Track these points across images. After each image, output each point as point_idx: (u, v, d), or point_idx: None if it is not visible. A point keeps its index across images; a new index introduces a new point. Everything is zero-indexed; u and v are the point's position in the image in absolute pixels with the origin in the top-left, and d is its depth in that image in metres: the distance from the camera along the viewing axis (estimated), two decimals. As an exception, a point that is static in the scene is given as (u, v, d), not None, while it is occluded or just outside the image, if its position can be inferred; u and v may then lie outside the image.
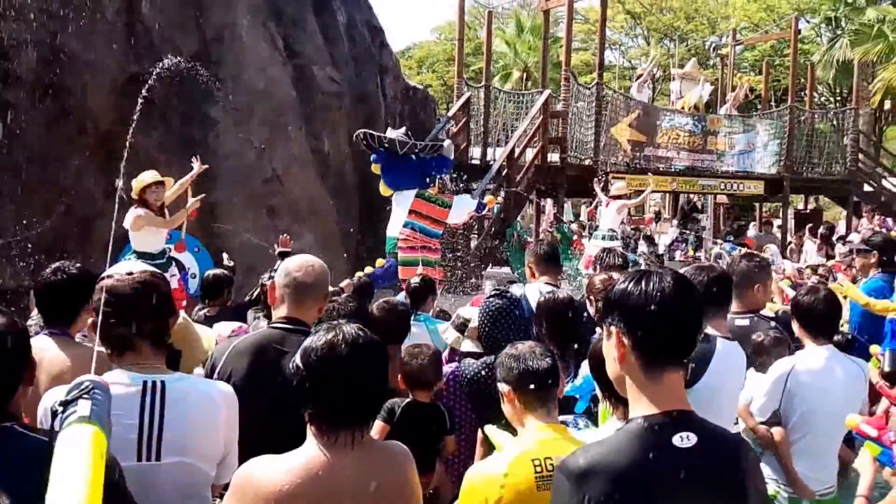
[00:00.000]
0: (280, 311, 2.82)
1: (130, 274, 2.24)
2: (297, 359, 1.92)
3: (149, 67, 9.32)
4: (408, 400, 3.43)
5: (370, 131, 7.98)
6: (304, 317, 2.80)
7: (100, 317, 2.14)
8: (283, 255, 5.60)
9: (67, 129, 8.82)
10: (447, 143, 8.22)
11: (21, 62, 8.52)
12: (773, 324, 3.92)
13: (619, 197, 11.43)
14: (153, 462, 2.13)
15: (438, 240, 7.91)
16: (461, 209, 8.06)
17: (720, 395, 3.03)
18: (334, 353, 1.89)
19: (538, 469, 2.23)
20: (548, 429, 2.33)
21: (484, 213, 8.88)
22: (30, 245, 8.06)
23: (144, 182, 6.94)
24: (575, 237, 13.18)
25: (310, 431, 1.93)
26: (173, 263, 7.33)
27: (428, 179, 7.78)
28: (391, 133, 7.89)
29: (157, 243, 7.11)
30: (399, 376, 3.46)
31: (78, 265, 2.98)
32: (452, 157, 8.14)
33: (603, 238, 10.87)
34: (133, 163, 9.09)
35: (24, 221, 8.29)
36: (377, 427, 3.29)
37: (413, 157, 7.67)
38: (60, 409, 1.64)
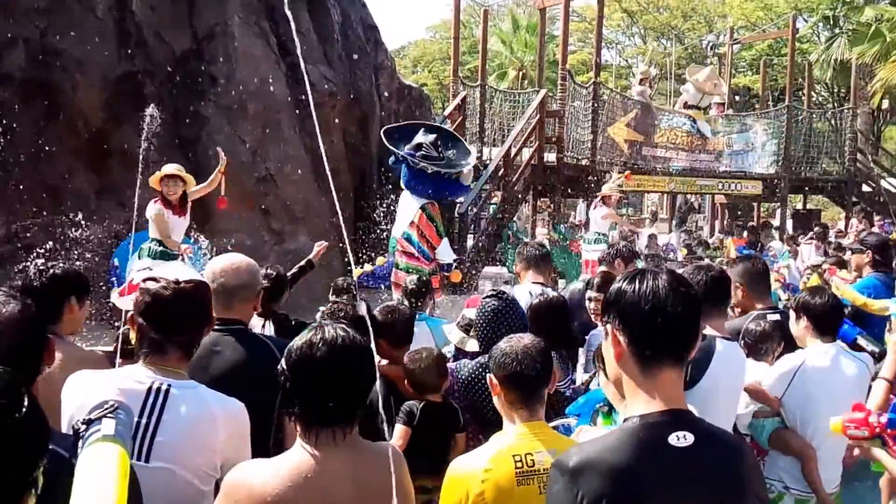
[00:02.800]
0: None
1: (178, 283, 2.28)
2: (282, 360, 1.98)
3: (140, 65, 9.26)
4: (423, 402, 3.44)
5: (401, 125, 7.91)
6: (238, 316, 2.83)
7: (138, 318, 2.25)
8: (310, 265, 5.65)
9: (57, 127, 8.74)
10: (467, 168, 7.89)
11: (10, 60, 8.43)
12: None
13: (605, 200, 11.25)
14: (142, 463, 2.16)
15: (428, 261, 7.72)
16: (442, 255, 7.86)
17: (719, 395, 3.02)
18: (311, 353, 1.94)
19: (518, 464, 2.26)
20: (530, 426, 2.36)
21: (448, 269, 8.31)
22: (19, 244, 7.97)
23: (161, 174, 7.07)
24: (573, 237, 13.12)
25: (297, 433, 1.96)
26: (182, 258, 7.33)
27: (439, 196, 7.72)
28: (420, 137, 7.66)
29: (176, 235, 7.29)
30: (405, 382, 3.47)
31: (62, 264, 3.04)
32: (470, 183, 7.98)
33: (592, 242, 10.80)
34: (124, 161, 9.03)
35: (15, 221, 8.20)
36: (399, 430, 3.29)
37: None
38: (83, 427, 1.61)
